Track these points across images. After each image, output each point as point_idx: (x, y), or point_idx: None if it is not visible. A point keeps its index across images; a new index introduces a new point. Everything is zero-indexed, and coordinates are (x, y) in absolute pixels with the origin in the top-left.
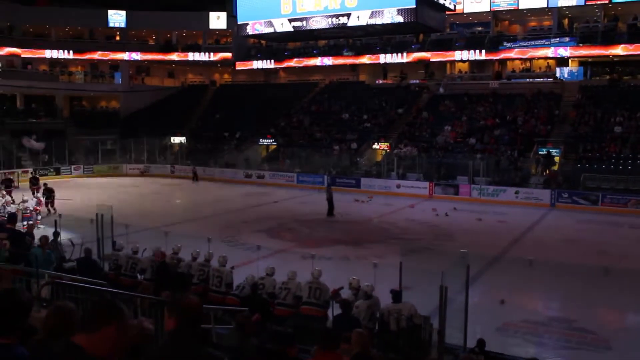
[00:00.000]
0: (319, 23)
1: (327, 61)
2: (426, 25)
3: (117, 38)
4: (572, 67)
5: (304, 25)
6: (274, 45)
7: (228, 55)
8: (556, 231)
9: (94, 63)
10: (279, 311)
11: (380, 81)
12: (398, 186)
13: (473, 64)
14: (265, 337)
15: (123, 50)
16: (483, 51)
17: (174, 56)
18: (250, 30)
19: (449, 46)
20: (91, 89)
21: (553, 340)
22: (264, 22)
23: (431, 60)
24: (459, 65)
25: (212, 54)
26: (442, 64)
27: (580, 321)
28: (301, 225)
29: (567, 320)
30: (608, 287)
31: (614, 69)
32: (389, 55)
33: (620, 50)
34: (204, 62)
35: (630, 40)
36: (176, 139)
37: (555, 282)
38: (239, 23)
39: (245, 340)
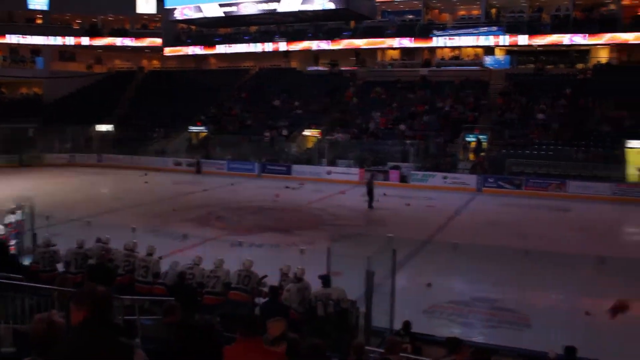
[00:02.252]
0: (250, 8)
1: (259, 47)
2: (357, 12)
3: (39, 21)
4: (499, 55)
5: (235, 10)
6: (204, 30)
7: (157, 40)
8: (482, 215)
9: (13, 47)
10: (208, 299)
11: (312, 68)
12: (329, 172)
13: (403, 51)
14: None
15: (45, 34)
16: (413, 39)
17: (101, 41)
18: (179, 15)
19: (380, 33)
20: (10, 75)
21: (477, 319)
22: (193, 6)
23: (362, 47)
24: (390, 53)
25: (140, 39)
26: (373, 51)
27: (503, 301)
28: (231, 213)
29: (490, 300)
30: (528, 268)
31: (538, 58)
32: (320, 42)
33: (544, 40)
34: (132, 47)
35: (553, 31)
36: (103, 127)
37: (479, 264)
38: (166, 7)
39: (171, 331)
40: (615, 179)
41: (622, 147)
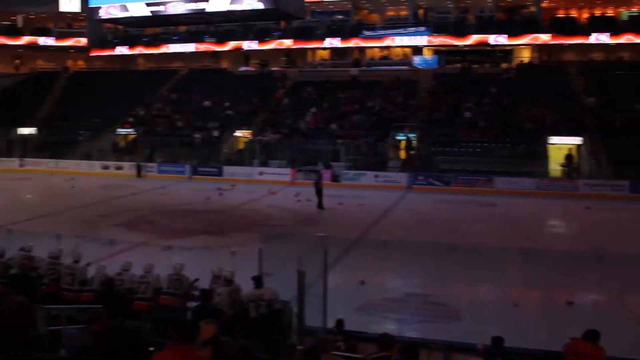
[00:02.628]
0: (177, 8)
1: (188, 48)
2: (286, 12)
3: None
4: (427, 55)
5: (162, 10)
6: (132, 30)
7: (82, 40)
8: (412, 212)
9: None
10: (138, 305)
11: (243, 68)
12: (260, 173)
13: (334, 51)
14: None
15: None
16: (343, 39)
17: (21, 40)
18: (104, 14)
19: (310, 34)
20: None
21: (409, 315)
22: (119, 5)
23: (293, 47)
24: (320, 53)
25: (64, 39)
26: (304, 51)
27: (434, 296)
28: (161, 216)
29: (422, 295)
30: (457, 263)
31: (465, 57)
32: (251, 42)
33: (470, 40)
34: (56, 47)
35: (478, 31)
36: (25, 130)
37: (411, 261)
38: (91, 6)
39: (97, 339)
40: (538, 174)
41: (544, 143)
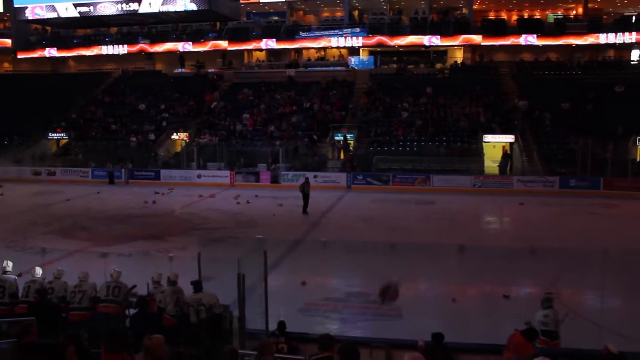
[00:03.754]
0: (108, 9)
1: (121, 49)
2: (220, 13)
3: None
4: (363, 56)
5: (91, 10)
6: (61, 31)
7: (7, 41)
8: (352, 211)
9: None
10: (74, 316)
11: (178, 70)
12: (199, 176)
13: (270, 52)
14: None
15: None
16: (279, 40)
17: None
18: (30, 15)
19: (246, 35)
20: None
21: (352, 314)
22: (46, 5)
23: (229, 49)
24: (256, 54)
25: None
26: (240, 52)
27: (375, 294)
28: (98, 222)
29: (364, 294)
30: (397, 260)
31: (400, 58)
32: (186, 44)
33: (404, 40)
34: None
35: (412, 32)
36: None
37: (351, 260)
38: (15, 6)
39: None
40: (474, 172)
41: (478, 141)
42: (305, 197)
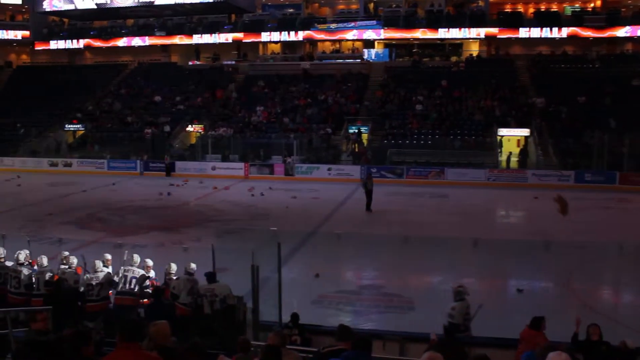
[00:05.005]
0: (124, 1)
1: (137, 41)
2: (236, 5)
3: None
4: (378, 49)
5: (108, 2)
6: (78, 23)
7: (26, 33)
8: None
9: None
10: (91, 307)
11: (193, 62)
12: (213, 168)
13: (285, 45)
14: (60, 336)
15: None
16: (295, 32)
17: None
18: (47, 7)
19: (261, 27)
20: None
21: (364, 306)
22: None
23: (244, 41)
24: (271, 47)
25: (6, 31)
26: (255, 44)
27: (388, 287)
28: (113, 213)
29: (376, 287)
30: (410, 253)
31: (415, 51)
32: (201, 36)
33: (419, 33)
34: None
35: (428, 25)
36: None
37: (364, 253)
38: None
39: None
40: (488, 165)
41: (493, 134)
42: (369, 194)
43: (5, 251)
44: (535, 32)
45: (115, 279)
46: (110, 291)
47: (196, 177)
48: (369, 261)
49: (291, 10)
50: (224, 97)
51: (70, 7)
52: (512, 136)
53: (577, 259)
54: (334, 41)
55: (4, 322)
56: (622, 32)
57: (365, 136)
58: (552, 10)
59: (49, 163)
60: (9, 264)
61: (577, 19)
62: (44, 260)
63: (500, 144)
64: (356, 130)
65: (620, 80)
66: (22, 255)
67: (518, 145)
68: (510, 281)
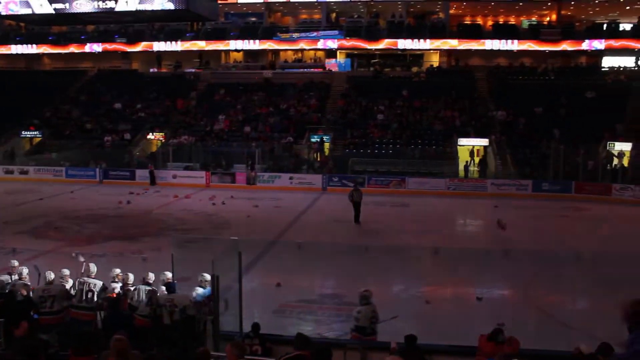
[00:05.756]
0: (84, 6)
1: (97, 47)
2: (198, 13)
3: None
4: (340, 58)
5: (67, 7)
6: (36, 28)
7: None
8: (327, 213)
9: None
10: (45, 320)
11: (155, 70)
12: (174, 176)
13: (247, 53)
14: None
15: None
16: (257, 41)
17: None
18: (3, 10)
19: (224, 35)
20: None
21: (326, 316)
22: (20, 1)
23: (206, 49)
24: (234, 55)
25: None
26: (217, 52)
27: (349, 296)
28: (71, 222)
29: (338, 296)
30: (371, 262)
31: (377, 61)
32: (163, 43)
33: (381, 44)
34: None
35: (389, 36)
36: None
37: (326, 262)
38: None
39: None
40: (448, 175)
41: (453, 144)
42: (355, 205)
43: None
44: (494, 44)
45: (72, 291)
46: (65, 304)
47: (157, 185)
48: (330, 270)
49: (254, 19)
50: (185, 105)
51: (28, 11)
52: (470, 145)
53: (535, 267)
54: (296, 50)
55: None
56: (576, 45)
57: (327, 145)
58: (510, 23)
59: (4, 170)
60: None
61: (534, 32)
62: None
63: (457, 154)
64: (318, 140)
65: (574, 92)
66: None
67: (471, 155)
68: (470, 289)
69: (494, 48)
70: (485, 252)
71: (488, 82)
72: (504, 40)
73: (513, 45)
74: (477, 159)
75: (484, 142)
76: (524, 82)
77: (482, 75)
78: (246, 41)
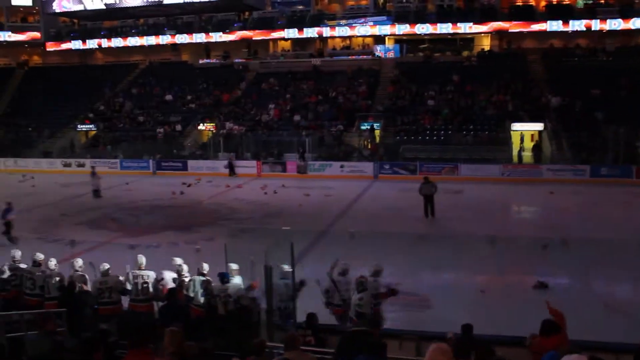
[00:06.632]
0: (133, 0)
1: (147, 41)
2: (245, 3)
3: None
4: (389, 44)
5: (117, 2)
6: (88, 24)
7: (37, 34)
8: (379, 201)
9: None
10: (104, 310)
11: (204, 61)
12: (226, 167)
13: (295, 42)
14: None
15: None
16: (304, 29)
17: None
18: (57, 8)
19: (271, 24)
20: None
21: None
22: None
23: (254, 38)
24: (282, 44)
25: (17, 33)
26: (265, 42)
27: (404, 285)
28: (127, 213)
29: (392, 285)
30: (426, 251)
31: (426, 46)
32: (211, 34)
33: (430, 28)
34: (9, 42)
35: (438, 20)
36: None
37: (379, 251)
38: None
39: (53, 344)
40: (502, 161)
41: (506, 129)
42: (426, 198)
43: (20, 253)
44: (548, 26)
45: (128, 286)
46: (121, 297)
47: (209, 175)
48: (383, 259)
49: (301, 7)
50: (234, 95)
51: (80, 7)
52: (524, 131)
53: (595, 255)
54: (344, 37)
55: (18, 324)
56: (637, 23)
57: (377, 132)
58: (564, 3)
59: (63, 163)
60: (23, 266)
61: (590, 11)
62: (52, 264)
63: (511, 139)
64: (368, 127)
65: (636, 73)
66: (38, 257)
67: (522, 141)
68: (527, 278)
69: (548, 29)
70: (542, 241)
71: (542, 65)
72: (558, 21)
73: (567, 26)
74: (526, 145)
75: (539, 126)
76: (580, 63)
77: (535, 57)
78: (294, 29)
